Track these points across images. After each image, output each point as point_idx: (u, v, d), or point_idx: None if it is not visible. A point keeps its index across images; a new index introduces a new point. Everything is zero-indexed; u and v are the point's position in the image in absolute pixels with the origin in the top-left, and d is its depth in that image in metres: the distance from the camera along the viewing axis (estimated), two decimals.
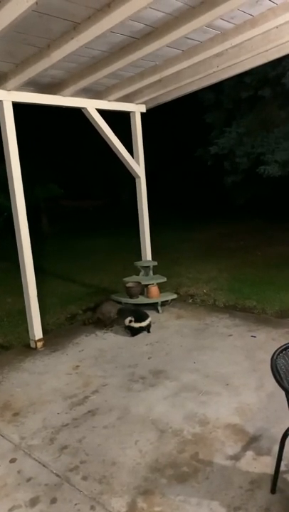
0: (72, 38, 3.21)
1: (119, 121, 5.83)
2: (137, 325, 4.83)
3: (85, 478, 2.63)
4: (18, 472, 2.73)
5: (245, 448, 2.80)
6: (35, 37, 3.27)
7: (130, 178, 5.98)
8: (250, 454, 2.74)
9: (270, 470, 2.52)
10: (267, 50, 4.43)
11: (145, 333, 4.88)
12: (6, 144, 4.23)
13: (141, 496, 2.45)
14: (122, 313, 5.08)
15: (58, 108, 4.72)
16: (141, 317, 4.89)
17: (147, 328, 4.89)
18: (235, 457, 2.72)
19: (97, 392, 3.66)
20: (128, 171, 5.82)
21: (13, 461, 2.85)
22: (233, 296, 6.09)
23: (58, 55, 3.43)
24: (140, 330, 4.85)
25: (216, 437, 2.92)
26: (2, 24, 2.77)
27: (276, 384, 2.15)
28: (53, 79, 4.28)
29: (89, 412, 3.36)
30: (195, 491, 2.46)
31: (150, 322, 4.91)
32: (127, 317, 4.87)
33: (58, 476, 2.67)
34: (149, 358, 4.26)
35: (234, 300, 5.91)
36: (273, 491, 2.40)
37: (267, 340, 4.44)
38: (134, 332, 4.86)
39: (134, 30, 3.46)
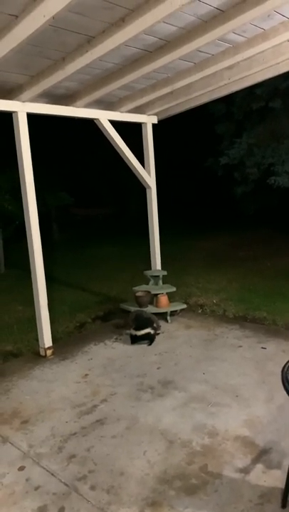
0: (87, 51, 3.28)
1: (130, 131, 5.89)
2: (133, 332, 4.84)
3: (93, 487, 2.63)
4: (27, 480, 2.74)
5: (255, 461, 2.77)
6: (50, 50, 3.35)
7: (139, 187, 6.03)
8: (260, 467, 2.71)
9: (281, 484, 2.48)
10: (278, 63, 4.47)
11: (157, 341, 4.86)
12: (20, 154, 4.31)
13: (149, 508, 2.43)
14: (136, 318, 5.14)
15: (69, 118, 4.80)
16: (140, 326, 4.86)
17: (147, 338, 4.84)
18: (245, 470, 2.69)
19: (105, 401, 3.65)
20: (137, 180, 5.86)
21: (21, 469, 2.86)
22: (243, 306, 6.06)
23: (72, 67, 3.51)
24: (139, 338, 4.83)
25: (225, 449, 2.90)
26: (19, 38, 2.84)
27: (286, 396, 2.14)
28: (66, 90, 4.36)
29: (97, 421, 3.36)
30: (204, 503, 2.44)
31: (149, 333, 4.82)
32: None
33: (66, 485, 2.67)
34: (157, 368, 4.25)
35: (244, 311, 5.88)
36: (284, 505, 2.37)
37: (277, 352, 4.40)
38: (131, 339, 4.87)
39: (147, 44, 3.53)
